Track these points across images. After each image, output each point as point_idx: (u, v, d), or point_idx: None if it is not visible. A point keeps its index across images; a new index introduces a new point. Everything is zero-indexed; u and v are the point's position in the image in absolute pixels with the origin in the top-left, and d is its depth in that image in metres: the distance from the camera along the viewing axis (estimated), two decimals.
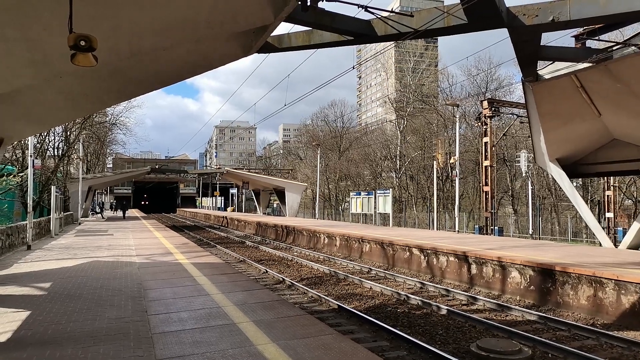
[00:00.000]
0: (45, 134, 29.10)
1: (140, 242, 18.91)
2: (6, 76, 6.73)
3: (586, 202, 26.90)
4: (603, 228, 22.19)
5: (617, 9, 9.48)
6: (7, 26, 5.23)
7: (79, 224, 32.85)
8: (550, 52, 12.68)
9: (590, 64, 12.56)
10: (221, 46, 8.25)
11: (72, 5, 4.43)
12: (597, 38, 12.49)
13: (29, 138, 17.66)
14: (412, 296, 11.30)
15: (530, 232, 31.20)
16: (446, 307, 10.16)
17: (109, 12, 5.47)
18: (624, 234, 20.99)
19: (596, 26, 12.10)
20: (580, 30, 12.77)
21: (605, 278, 9.65)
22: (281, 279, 14.06)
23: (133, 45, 6.69)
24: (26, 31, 5.42)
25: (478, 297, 11.32)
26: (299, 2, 7.77)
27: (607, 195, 28.91)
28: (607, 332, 8.42)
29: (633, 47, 11.56)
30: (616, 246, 19.37)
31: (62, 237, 21.46)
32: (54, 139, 33.21)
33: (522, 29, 10.31)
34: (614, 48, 12.09)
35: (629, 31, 18.30)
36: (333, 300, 10.85)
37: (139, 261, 12.86)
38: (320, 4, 8.91)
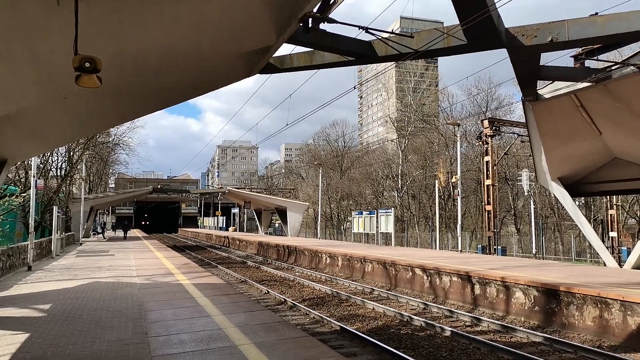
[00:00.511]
0: (48, 154, 29.27)
1: (141, 262, 18.80)
2: (13, 96, 6.81)
3: (589, 221, 26.74)
4: (607, 247, 22.03)
5: (616, 29, 9.62)
6: (16, 47, 5.32)
7: (80, 244, 32.74)
8: (549, 71, 12.80)
9: (590, 84, 12.66)
10: (225, 66, 8.36)
11: (77, 27, 4.51)
12: (595, 58, 12.61)
13: (33, 158, 17.77)
14: (415, 317, 11.15)
15: (534, 252, 30.97)
16: (450, 329, 10.02)
17: (114, 33, 5.56)
18: (629, 253, 20.80)
19: (594, 46, 12.23)
20: (579, 50, 12.91)
21: (611, 299, 9.52)
22: (283, 300, 13.92)
23: (138, 66, 6.78)
24: (34, 52, 5.50)
25: (482, 318, 11.17)
26: (301, 24, 7.88)
27: (611, 215, 28.78)
28: (614, 354, 8.26)
29: (632, 67, 11.67)
30: (621, 266, 19.17)
31: (63, 258, 21.36)
32: (57, 159, 33.41)
33: (521, 49, 10.43)
34: (613, 68, 12.21)
35: (627, 51, 18.49)
36: (335, 322, 10.71)
37: (139, 282, 12.77)
38: (322, 26, 9.04)
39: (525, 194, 36.92)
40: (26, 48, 5.35)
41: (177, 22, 5.64)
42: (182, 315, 8.25)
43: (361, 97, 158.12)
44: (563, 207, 24.23)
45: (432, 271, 14.88)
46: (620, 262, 21.82)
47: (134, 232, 64.63)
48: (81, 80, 4.68)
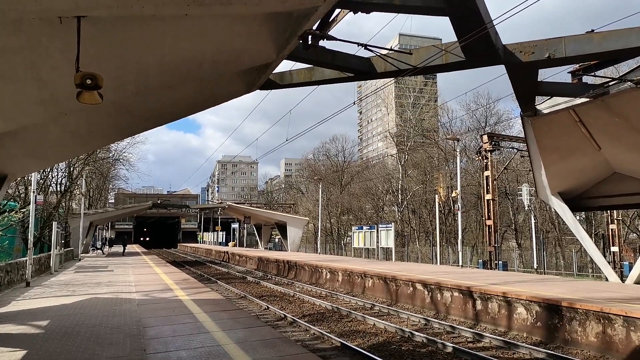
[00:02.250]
0: (48, 169, 29.31)
1: (140, 278, 18.70)
2: (15, 114, 6.86)
3: (590, 235, 26.64)
4: (608, 262, 21.92)
5: (612, 46, 9.71)
6: (18, 67, 5.38)
7: (79, 259, 32.58)
8: (547, 87, 12.89)
9: (588, 99, 12.74)
10: (225, 84, 8.44)
11: (79, 46, 4.57)
12: (593, 74, 12.71)
13: (33, 174, 17.79)
14: (416, 333, 11.05)
15: (535, 267, 30.79)
16: (452, 345, 9.92)
17: (116, 51, 5.63)
18: (630, 268, 20.69)
19: (592, 62, 12.34)
20: (577, 66, 13.02)
21: (614, 314, 9.45)
22: (283, 316, 13.81)
23: (139, 84, 6.84)
24: (36, 71, 5.56)
25: (484, 334, 11.07)
26: (300, 41, 7.97)
27: (611, 229, 28.71)
28: None
29: (629, 83, 11.75)
30: (623, 281, 19.07)
31: (61, 274, 21.24)
32: (57, 175, 33.43)
33: (518, 65, 10.52)
34: (610, 84, 12.30)
35: (624, 67, 18.62)
36: (336, 338, 10.61)
37: (138, 298, 12.69)
38: (321, 43, 9.13)
39: (526, 208, 36.87)
40: (28, 67, 5.41)
41: (178, 41, 5.71)
42: (181, 331, 8.18)
43: (361, 113, 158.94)
44: (564, 221, 24.17)
45: (433, 286, 14.78)
46: (622, 277, 21.69)
47: (133, 247, 64.32)
48: (82, 97, 4.72)
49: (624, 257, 29.40)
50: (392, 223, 36.78)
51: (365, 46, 9.63)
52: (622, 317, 9.29)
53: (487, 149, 27.54)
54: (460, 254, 26.69)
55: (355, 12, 8.77)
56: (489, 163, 27.43)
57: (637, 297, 11.27)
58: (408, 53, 10.72)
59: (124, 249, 44.76)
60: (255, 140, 39.47)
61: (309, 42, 8.36)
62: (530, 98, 13.27)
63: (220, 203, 75.22)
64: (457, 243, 29.39)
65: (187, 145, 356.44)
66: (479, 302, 12.92)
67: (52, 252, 22.70)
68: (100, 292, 13.91)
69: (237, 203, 76.78)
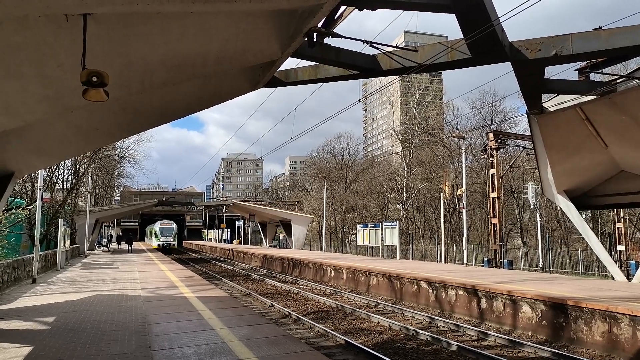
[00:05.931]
0: (54, 167, 29.46)
1: (145, 275, 18.78)
2: (20, 111, 6.89)
3: (596, 234, 26.42)
4: (615, 261, 21.77)
5: (620, 43, 9.62)
6: (24, 64, 5.40)
7: (85, 256, 32.77)
8: (554, 85, 12.80)
9: (595, 97, 12.64)
10: (229, 81, 8.43)
11: (85, 44, 4.58)
12: (600, 71, 12.61)
13: (39, 171, 17.89)
14: (421, 331, 11.03)
15: (541, 265, 30.65)
16: (456, 343, 9.90)
17: (121, 49, 5.63)
18: (637, 267, 20.56)
19: (599, 60, 12.23)
20: (584, 63, 12.91)
21: (620, 313, 9.39)
22: (287, 313, 13.83)
23: (144, 81, 6.85)
24: (42, 69, 5.58)
25: (489, 332, 11.03)
26: (306, 39, 7.94)
27: (618, 228, 28.49)
28: None
29: (637, 80, 11.64)
30: (629, 280, 18.95)
31: (67, 270, 21.37)
32: (64, 172, 33.60)
33: (525, 62, 10.45)
34: (618, 81, 12.19)
35: (632, 64, 18.48)
36: (340, 336, 10.62)
37: (143, 295, 12.75)
38: (327, 40, 9.11)
39: (532, 206, 36.69)
40: (34, 64, 5.43)
41: (183, 38, 5.71)
42: (186, 328, 8.21)
43: (366, 110, 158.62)
44: (570, 220, 24.02)
45: (437, 284, 14.75)
46: (629, 276, 21.55)
47: (138, 244, 64.60)
48: (88, 94, 4.73)
49: (631, 256, 29.19)
50: (397, 221, 36.69)
51: (371, 43, 9.59)
52: (628, 316, 9.23)
53: (493, 146, 27.38)
54: (465, 252, 26.60)
55: (360, 9, 8.72)
56: (495, 161, 27.29)
57: None
58: (414, 50, 10.67)
59: (130, 246, 44.12)
60: (260, 137, 39.47)
61: (314, 40, 8.34)
62: (537, 95, 13.18)
63: (225, 200, 75.37)
64: (462, 241, 29.31)
65: (191, 142, 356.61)
66: (483, 300, 12.87)
67: (58, 249, 22.84)
68: (106, 289, 13.98)
69: (242, 201, 76.92)
